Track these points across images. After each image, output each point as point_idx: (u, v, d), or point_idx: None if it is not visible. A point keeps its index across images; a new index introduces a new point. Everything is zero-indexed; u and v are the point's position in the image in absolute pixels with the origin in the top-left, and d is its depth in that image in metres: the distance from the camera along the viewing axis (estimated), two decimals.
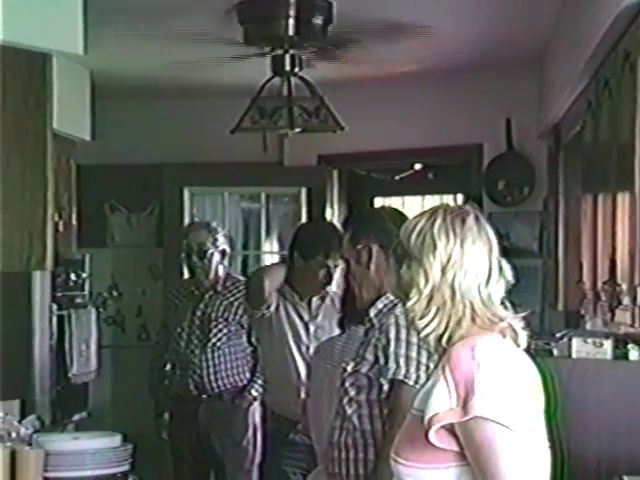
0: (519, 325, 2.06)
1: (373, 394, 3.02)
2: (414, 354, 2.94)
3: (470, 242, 2.04)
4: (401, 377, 2.93)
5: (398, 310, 2.98)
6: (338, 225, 4.82)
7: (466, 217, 2.07)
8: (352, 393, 3.08)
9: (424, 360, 2.93)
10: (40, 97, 3.96)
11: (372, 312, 3.09)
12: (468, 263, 2.03)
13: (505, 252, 2.13)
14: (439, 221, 2.05)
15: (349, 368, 3.12)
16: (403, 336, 2.96)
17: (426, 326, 2.03)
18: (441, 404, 1.94)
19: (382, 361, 2.98)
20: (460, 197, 7.07)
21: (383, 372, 2.97)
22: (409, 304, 2.04)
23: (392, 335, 2.97)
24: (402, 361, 2.94)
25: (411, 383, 2.92)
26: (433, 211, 2.09)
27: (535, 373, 2.04)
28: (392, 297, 3.03)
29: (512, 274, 2.09)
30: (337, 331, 4.29)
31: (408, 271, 2.05)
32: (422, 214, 2.10)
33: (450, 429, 1.95)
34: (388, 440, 2.90)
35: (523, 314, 2.09)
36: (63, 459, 3.22)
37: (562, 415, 3.27)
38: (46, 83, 3.98)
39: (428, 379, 2.07)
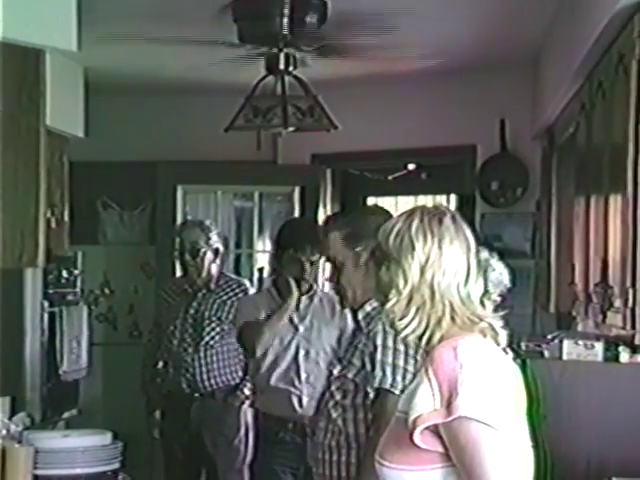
0: (499, 324, 2.06)
1: (358, 398, 3.02)
2: (401, 362, 2.92)
3: (448, 242, 2.06)
4: (387, 386, 2.92)
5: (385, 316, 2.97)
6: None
7: (443, 217, 2.08)
8: (338, 397, 3.08)
9: (411, 369, 2.91)
10: (33, 93, 3.95)
11: (360, 315, 3.08)
12: (446, 263, 2.05)
13: (500, 254, 2.14)
14: (416, 222, 2.07)
15: (335, 372, 3.12)
16: (390, 344, 2.94)
17: (406, 326, 2.04)
18: (425, 405, 1.95)
19: (369, 367, 2.97)
20: (453, 198, 7.07)
21: (369, 380, 2.97)
22: (389, 305, 2.05)
23: (379, 342, 2.95)
24: (389, 370, 2.92)
25: (397, 392, 2.89)
26: (410, 212, 2.10)
27: (517, 373, 2.05)
28: None
29: (509, 278, 2.10)
30: (325, 331, 4.28)
31: (387, 272, 2.07)
32: (400, 216, 2.12)
33: (434, 430, 1.95)
34: (371, 447, 2.91)
35: (502, 313, 2.10)
36: (53, 457, 3.22)
37: (552, 416, 3.28)
38: (39, 79, 3.97)
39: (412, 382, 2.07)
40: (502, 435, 1.92)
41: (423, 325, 2.03)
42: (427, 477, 1.97)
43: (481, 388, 1.93)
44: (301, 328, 4.31)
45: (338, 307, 4.28)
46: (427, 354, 2.02)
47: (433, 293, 2.03)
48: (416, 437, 1.94)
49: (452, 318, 2.03)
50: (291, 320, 4.31)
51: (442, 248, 2.04)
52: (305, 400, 4.21)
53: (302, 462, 4.13)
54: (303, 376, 4.25)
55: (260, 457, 4.33)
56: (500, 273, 2.04)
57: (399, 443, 1.99)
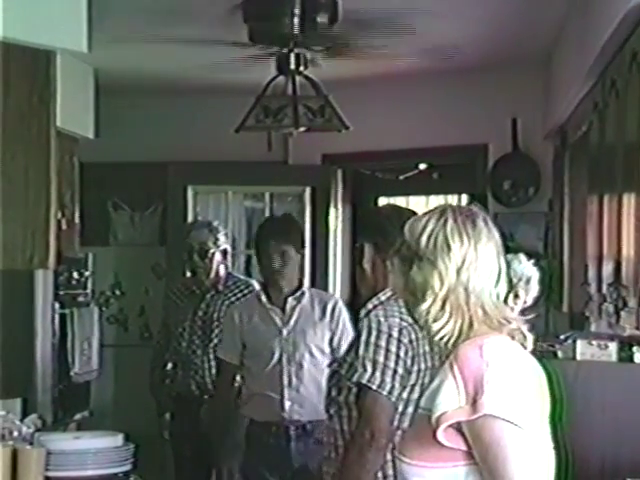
0: (525, 327, 2.05)
1: (351, 396, 3.01)
2: (381, 358, 2.93)
3: (483, 243, 2.04)
4: (365, 381, 2.92)
5: (374, 312, 2.98)
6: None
7: (476, 219, 2.06)
8: (333, 394, 3.08)
9: (392, 364, 2.92)
10: (44, 94, 3.94)
11: (362, 312, 3.09)
12: (482, 265, 2.03)
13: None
14: (450, 222, 2.04)
15: (332, 369, 3.12)
16: (372, 339, 2.94)
17: (441, 328, 2.01)
18: (449, 403, 1.93)
19: (354, 363, 2.98)
20: (465, 197, 7.05)
21: (352, 375, 2.97)
22: (424, 306, 2.02)
23: (362, 338, 2.97)
24: (369, 365, 2.93)
25: (374, 387, 2.91)
26: (441, 212, 2.07)
27: (542, 375, 2.04)
28: (383, 297, 3.03)
29: (538, 277, 2.09)
30: (311, 332, 4.23)
31: (420, 273, 2.03)
32: (429, 214, 2.08)
33: (457, 427, 1.94)
34: (351, 443, 2.91)
35: (530, 317, 2.08)
36: (65, 458, 3.21)
37: (567, 417, 3.26)
38: (50, 80, 3.96)
39: (432, 379, 2.05)
40: (527, 434, 1.91)
41: (457, 327, 2.01)
42: (448, 474, 1.96)
43: (507, 387, 1.92)
44: (284, 331, 4.23)
45: (330, 307, 4.23)
46: (450, 352, 2.00)
47: (468, 295, 2.01)
48: (440, 434, 1.93)
49: (483, 320, 2.01)
50: (275, 323, 4.26)
51: (478, 250, 2.02)
52: (287, 404, 4.17)
53: (289, 465, 4.11)
54: (285, 380, 4.19)
55: (247, 461, 4.30)
56: (524, 267, 2.02)
57: (420, 440, 1.98)
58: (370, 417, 2.89)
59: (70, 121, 4.77)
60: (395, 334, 2.92)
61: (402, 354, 2.92)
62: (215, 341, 5.12)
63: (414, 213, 2.49)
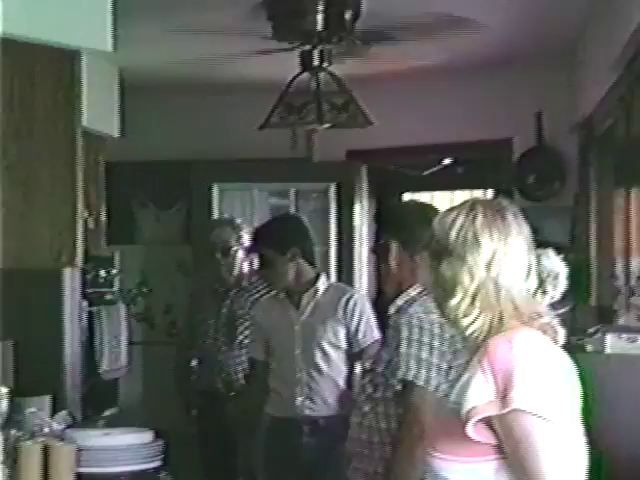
0: (556, 322, 2.04)
1: (389, 392, 3.01)
2: (425, 355, 2.93)
3: (513, 238, 2.04)
4: (411, 378, 2.93)
5: (412, 309, 2.97)
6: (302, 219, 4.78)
7: (505, 213, 2.06)
8: (369, 390, 3.08)
9: (436, 361, 2.93)
10: (69, 94, 3.96)
11: (392, 309, 3.08)
12: (511, 260, 2.02)
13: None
14: (480, 217, 2.03)
15: (367, 365, 3.12)
16: (415, 336, 2.94)
17: (471, 324, 2.01)
18: (479, 397, 1.93)
19: (395, 360, 2.96)
20: (490, 192, 7.03)
21: (394, 372, 2.96)
22: (453, 302, 2.02)
23: (404, 335, 2.96)
24: (413, 362, 2.93)
25: (421, 384, 2.91)
26: (471, 206, 2.06)
27: (572, 370, 2.03)
28: (413, 293, 3.02)
29: (565, 273, 2.08)
30: (321, 328, 4.21)
31: (450, 268, 2.02)
32: (458, 209, 2.07)
33: (487, 422, 1.94)
34: (399, 440, 2.91)
35: (561, 311, 2.08)
36: (95, 455, 3.22)
37: (597, 411, 3.24)
38: (75, 80, 3.97)
39: (461, 374, 2.05)
40: (557, 428, 1.90)
41: (488, 322, 2.00)
42: (479, 468, 1.96)
43: (537, 381, 1.92)
44: (296, 328, 4.23)
45: (344, 301, 4.19)
46: (478, 346, 1.99)
47: (498, 290, 2.00)
48: (469, 429, 1.93)
49: (514, 315, 2.01)
50: (290, 320, 4.25)
51: (507, 245, 2.02)
52: (298, 400, 4.16)
53: (303, 460, 4.11)
54: (297, 376, 4.19)
55: (266, 456, 4.30)
56: (553, 262, 2.01)
57: (450, 434, 1.98)
58: (418, 414, 2.88)
59: (95, 120, 4.78)
60: (437, 330, 2.92)
61: (445, 350, 2.92)
62: (240, 338, 5.13)
63: (436, 209, 2.49)
